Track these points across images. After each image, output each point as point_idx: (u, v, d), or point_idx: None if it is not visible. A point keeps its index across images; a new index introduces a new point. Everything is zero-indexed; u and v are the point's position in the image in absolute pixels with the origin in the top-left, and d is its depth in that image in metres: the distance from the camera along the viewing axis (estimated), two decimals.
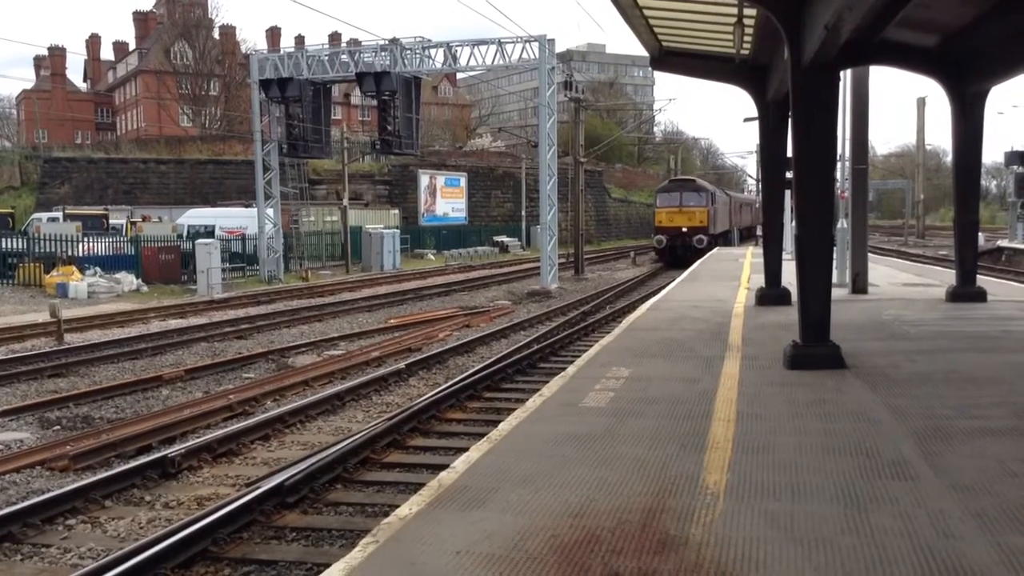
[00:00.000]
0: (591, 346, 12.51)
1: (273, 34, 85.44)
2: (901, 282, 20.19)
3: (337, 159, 47.19)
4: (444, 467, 6.33)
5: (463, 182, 62.72)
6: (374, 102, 35.83)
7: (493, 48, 31.05)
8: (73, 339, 18.31)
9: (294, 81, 33.73)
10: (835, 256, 15.98)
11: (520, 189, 62.82)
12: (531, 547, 4.48)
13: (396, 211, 56.08)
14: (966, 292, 15.18)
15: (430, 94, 79.68)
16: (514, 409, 8.35)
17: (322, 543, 7.03)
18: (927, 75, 13.99)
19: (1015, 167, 46.63)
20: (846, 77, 16.64)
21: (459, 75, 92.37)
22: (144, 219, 42.33)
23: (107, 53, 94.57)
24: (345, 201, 44.78)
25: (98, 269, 30.23)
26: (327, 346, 17.80)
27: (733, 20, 11.80)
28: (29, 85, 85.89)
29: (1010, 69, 12.82)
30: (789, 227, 19.38)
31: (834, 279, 12.62)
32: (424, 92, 41.43)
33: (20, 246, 31.82)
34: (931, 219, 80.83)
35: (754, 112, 16.32)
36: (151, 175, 56.28)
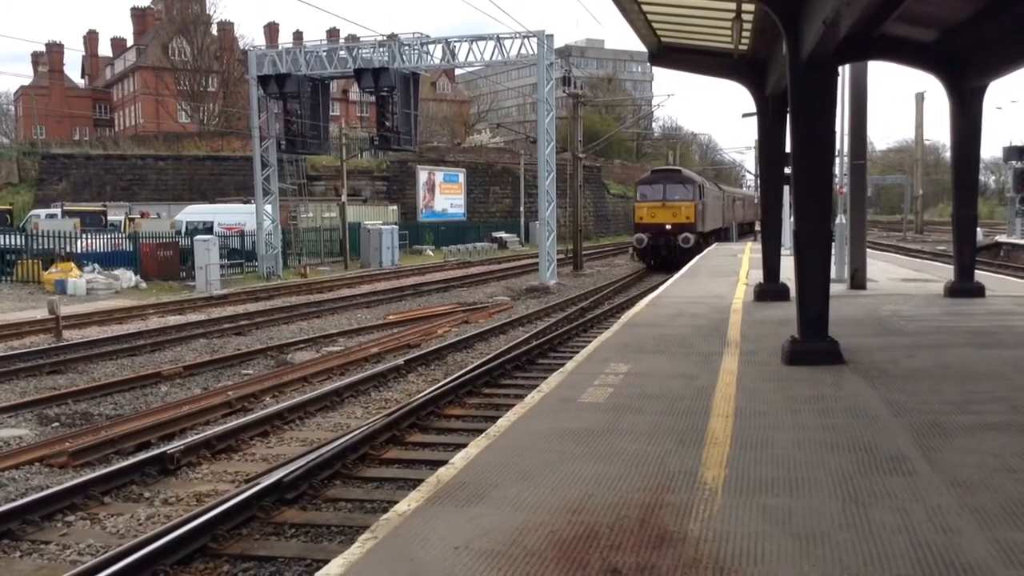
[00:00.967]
0: (590, 342, 12.51)
1: (271, 30, 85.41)
2: (899, 277, 20.21)
3: (335, 155, 47.12)
4: (443, 463, 6.33)
5: (462, 178, 62.70)
6: (372, 98, 35.87)
7: (491, 44, 31.04)
8: (72, 336, 18.31)
9: (292, 77, 33.70)
10: (833, 251, 16.00)
11: (519, 185, 62.79)
12: (530, 543, 4.48)
13: (395, 207, 56.05)
14: (964, 287, 15.19)
15: (428, 90, 79.66)
16: (513, 405, 8.35)
17: (321, 539, 7.04)
18: (926, 70, 14.00)
19: (1014, 162, 46.68)
20: (844, 72, 16.64)
21: (457, 71, 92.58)
22: (142, 215, 42.29)
23: (105, 49, 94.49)
24: (343, 197, 44.74)
25: (96, 266, 30.20)
26: (326, 342, 17.80)
27: (731, 15, 11.79)
28: (27, 81, 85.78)
29: (1008, 64, 12.82)
30: (788, 223, 19.35)
31: (832, 275, 12.63)
32: (423, 88, 41.38)
33: (18, 243, 31.79)
34: (930, 214, 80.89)
35: (753, 107, 16.31)
36: (149, 171, 56.23)
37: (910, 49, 13.12)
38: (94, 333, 18.96)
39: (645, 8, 12.76)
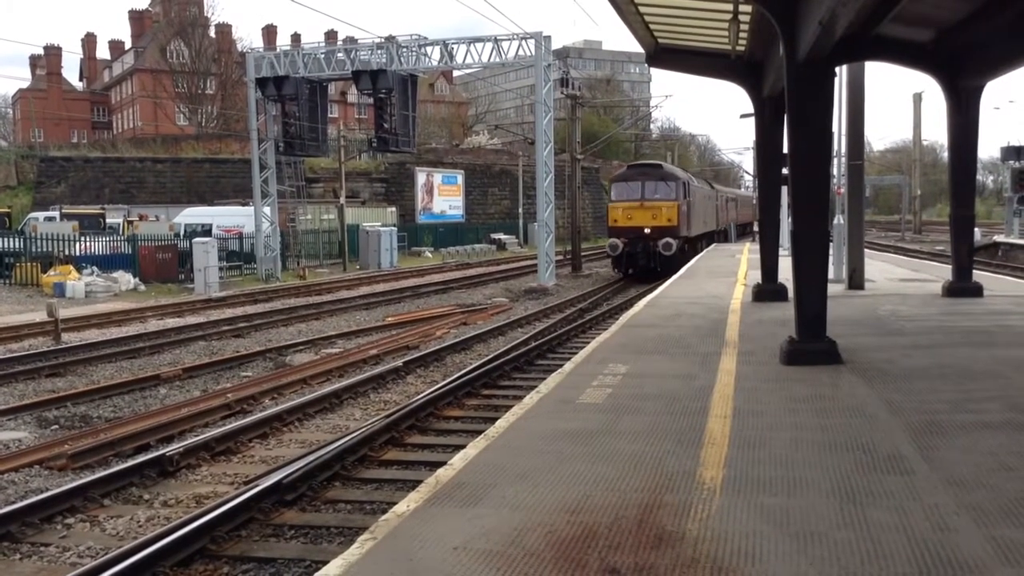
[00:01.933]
0: (588, 343, 12.53)
1: (269, 32, 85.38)
2: (897, 277, 20.23)
3: (334, 157, 47.13)
4: (442, 464, 6.34)
5: (460, 179, 62.70)
6: (371, 100, 35.88)
7: (489, 46, 31.07)
8: (71, 338, 18.31)
9: (290, 79, 33.73)
10: (831, 252, 16.02)
11: (517, 186, 62.79)
12: (528, 543, 4.49)
13: (393, 209, 56.04)
14: (962, 287, 15.21)
15: (427, 92, 79.61)
16: (511, 406, 8.36)
17: (320, 540, 7.05)
18: (922, 70, 14.01)
19: (1011, 162, 46.67)
20: (842, 73, 16.67)
21: (455, 73, 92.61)
22: (141, 218, 42.24)
23: (103, 52, 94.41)
24: (342, 199, 44.76)
25: (95, 268, 30.21)
26: (325, 344, 17.81)
27: (728, 16, 11.81)
28: (25, 84, 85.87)
29: (1005, 64, 12.85)
30: (786, 223, 19.38)
31: (830, 275, 12.64)
32: (421, 90, 41.35)
33: (17, 246, 31.79)
34: (928, 214, 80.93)
35: (750, 108, 16.34)
36: (148, 174, 56.19)
37: (907, 49, 13.14)
38: (93, 336, 18.96)
39: (642, 10, 12.78)
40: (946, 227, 17.74)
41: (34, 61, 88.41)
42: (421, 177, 58.40)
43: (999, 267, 32.20)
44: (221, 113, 70.66)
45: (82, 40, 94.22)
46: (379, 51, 32.80)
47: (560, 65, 44.32)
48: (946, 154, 18.18)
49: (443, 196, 60.48)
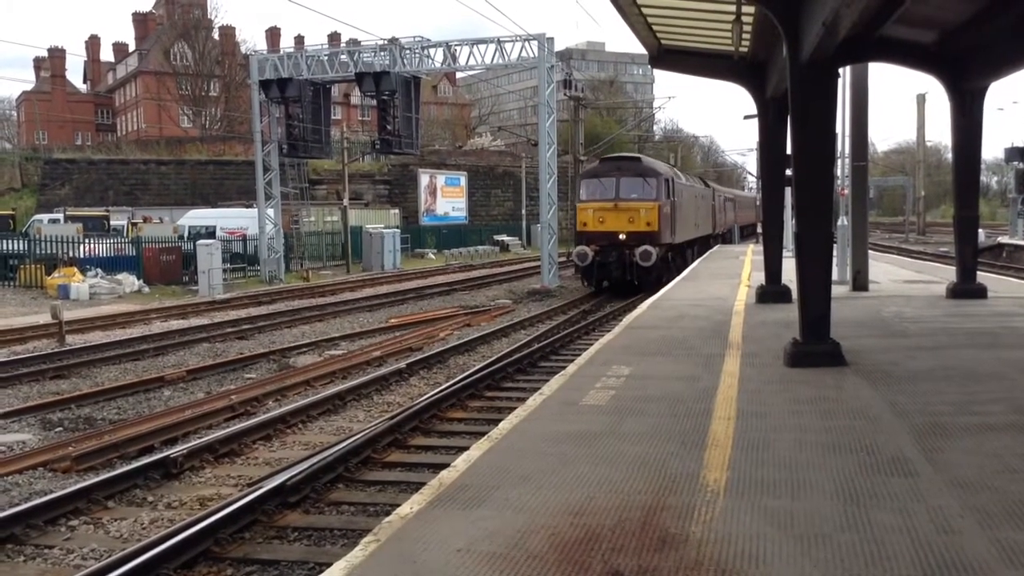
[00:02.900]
0: (591, 344, 12.52)
1: (272, 35, 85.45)
2: (902, 279, 20.21)
3: (337, 159, 47.23)
4: (445, 466, 6.34)
5: (463, 181, 62.74)
6: (374, 102, 35.91)
7: (492, 47, 31.08)
8: (75, 340, 18.33)
9: (294, 81, 33.76)
10: (835, 253, 15.99)
11: (520, 188, 62.81)
12: (532, 545, 4.49)
13: (396, 211, 56.11)
14: (966, 289, 15.19)
15: (430, 93, 79.68)
16: (515, 408, 8.36)
17: (324, 542, 7.05)
18: (926, 72, 14.01)
19: (1015, 163, 46.62)
20: (845, 74, 16.64)
21: (458, 74, 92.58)
22: (145, 220, 42.37)
23: (107, 54, 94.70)
24: (345, 201, 44.83)
25: (99, 270, 30.25)
26: (328, 346, 17.82)
27: (731, 18, 11.81)
28: (29, 87, 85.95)
29: (1009, 65, 12.82)
30: (789, 224, 19.33)
31: (834, 276, 12.63)
32: (424, 91, 41.43)
33: (21, 248, 31.86)
34: (932, 216, 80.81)
35: (754, 109, 16.32)
36: (152, 176, 56.35)
37: (910, 51, 13.13)
38: (97, 338, 18.99)
39: (645, 11, 12.78)
40: (950, 228, 17.68)
41: (38, 63, 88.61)
42: (424, 179, 58.44)
43: (1003, 268, 32.15)
44: (225, 115, 70.77)
45: (86, 42, 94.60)
46: (382, 53, 32.81)
47: (563, 67, 44.36)
48: (950, 155, 18.16)
49: (446, 198, 60.51)
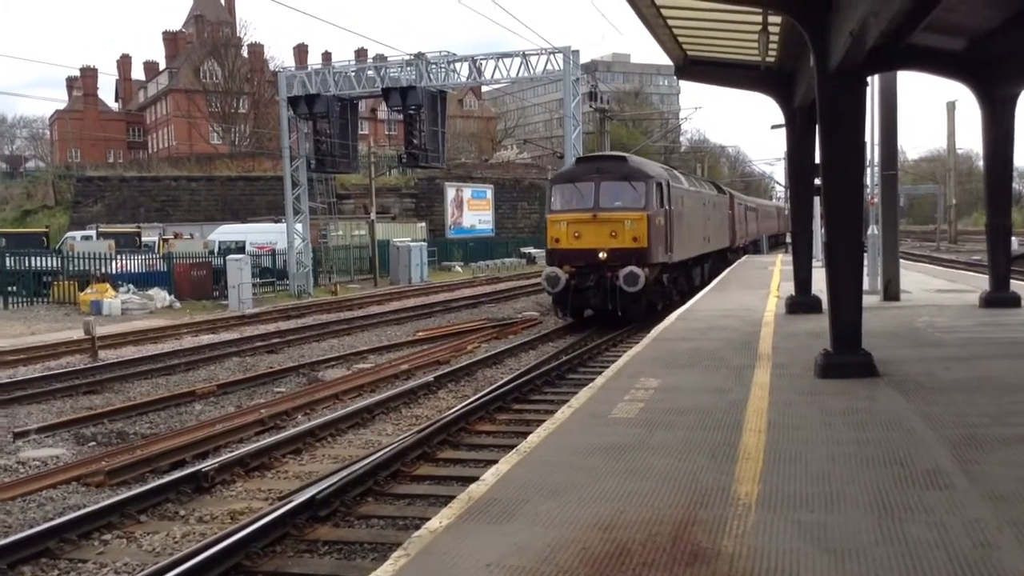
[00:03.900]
0: (619, 356, 12.47)
1: (300, 52, 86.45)
2: (934, 288, 19.95)
3: (364, 173, 47.52)
4: (474, 480, 6.33)
5: (489, 194, 62.91)
6: (400, 116, 36.16)
7: (518, 61, 31.24)
8: (107, 356, 18.55)
9: (321, 97, 34.11)
10: (866, 263, 15.84)
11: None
12: (561, 560, 4.47)
13: (423, 224, 56.34)
14: (1000, 298, 14.97)
15: (456, 107, 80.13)
16: (543, 421, 8.34)
17: (354, 556, 7.06)
18: (955, 79, 13.87)
19: None
20: (874, 82, 16.51)
21: (484, 88, 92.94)
22: (176, 236, 42.88)
23: (138, 73, 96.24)
24: (373, 215, 45.11)
25: (131, 286, 30.64)
26: (356, 359, 17.89)
27: (758, 28, 11.76)
28: (62, 106, 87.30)
29: None
30: (819, 234, 19.13)
31: (865, 286, 12.50)
32: (450, 105, 41.67)
33: (55, 264, 32.35)
34: (963, 224, 79.85)
35: (781, 119, 16.23)
36: (182, 192, 57.08)
37: (939, 59, 13.01)
38: (129, 353, 19.20)
39: (671, 22, 12.77)
40: (982, 236, 17.48)
41: (70, 83, 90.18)
42: (451, 192, 58.67)
43: None
44: (254, 132, 71.52)
45: (117, 62, 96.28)
46: (408, 68, 33.05)
47: (588, 79, 44.37)
48: (981, 163, 17.92)
49: (473, 211, 60.70)
